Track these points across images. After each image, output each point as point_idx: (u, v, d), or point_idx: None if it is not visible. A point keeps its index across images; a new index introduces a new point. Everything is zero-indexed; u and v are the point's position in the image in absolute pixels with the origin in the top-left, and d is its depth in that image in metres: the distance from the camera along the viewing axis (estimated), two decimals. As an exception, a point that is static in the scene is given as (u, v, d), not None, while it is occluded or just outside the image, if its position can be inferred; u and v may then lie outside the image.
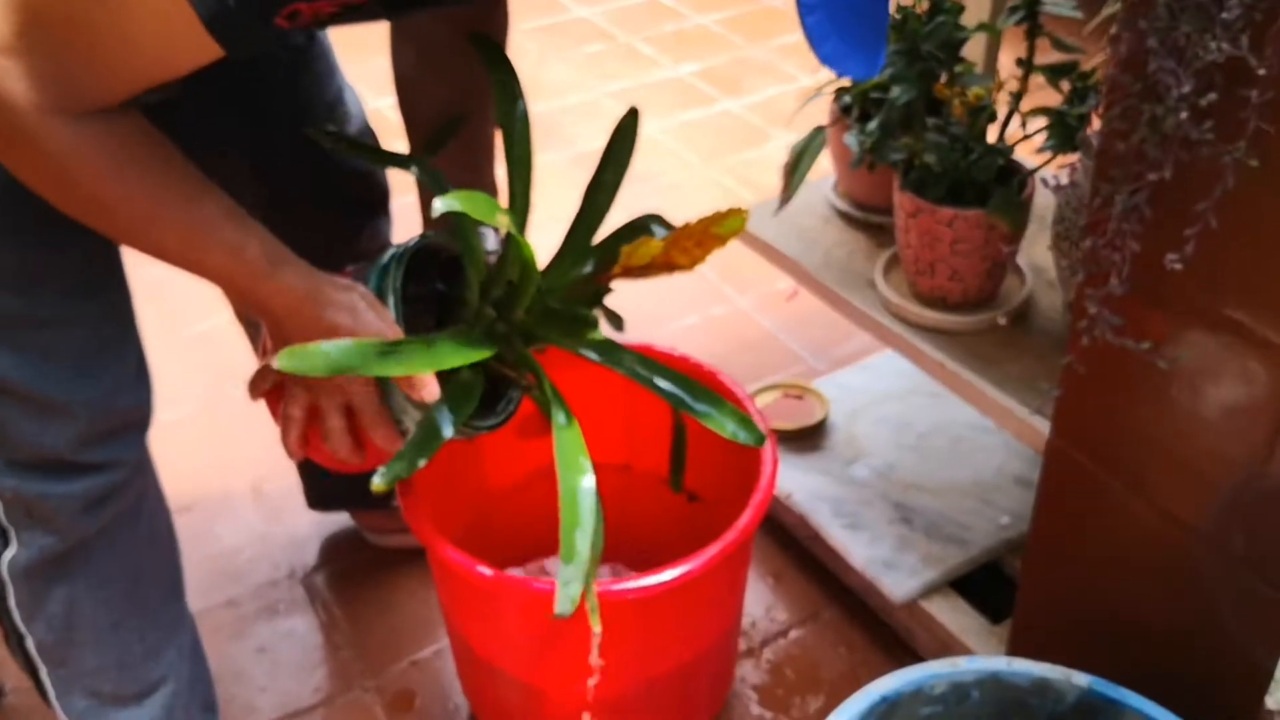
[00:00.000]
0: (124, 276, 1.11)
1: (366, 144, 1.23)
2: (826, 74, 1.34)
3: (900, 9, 1.30)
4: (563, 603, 1.03)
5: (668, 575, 1.15)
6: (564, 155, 2.45)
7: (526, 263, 1.08)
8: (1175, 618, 1.13)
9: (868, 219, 1.53)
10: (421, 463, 1.01)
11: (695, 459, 1.31)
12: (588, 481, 1.07)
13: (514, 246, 1.07)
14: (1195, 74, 0.86)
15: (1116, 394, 1.07)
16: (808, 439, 1.69)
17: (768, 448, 1.29)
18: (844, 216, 1.56)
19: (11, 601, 1.14)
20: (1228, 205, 0.90)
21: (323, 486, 1.63)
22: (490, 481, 1.49)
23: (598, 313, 1.18)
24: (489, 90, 1.20)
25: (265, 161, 1.27)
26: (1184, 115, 0.87)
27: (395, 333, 1.04)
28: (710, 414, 1.15)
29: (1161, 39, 0.86)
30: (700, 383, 1.17)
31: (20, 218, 0.98)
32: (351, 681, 1.51)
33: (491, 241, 1.21)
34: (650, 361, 1.18)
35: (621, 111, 1.19)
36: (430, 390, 1.02)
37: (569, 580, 1.02)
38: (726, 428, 1.14)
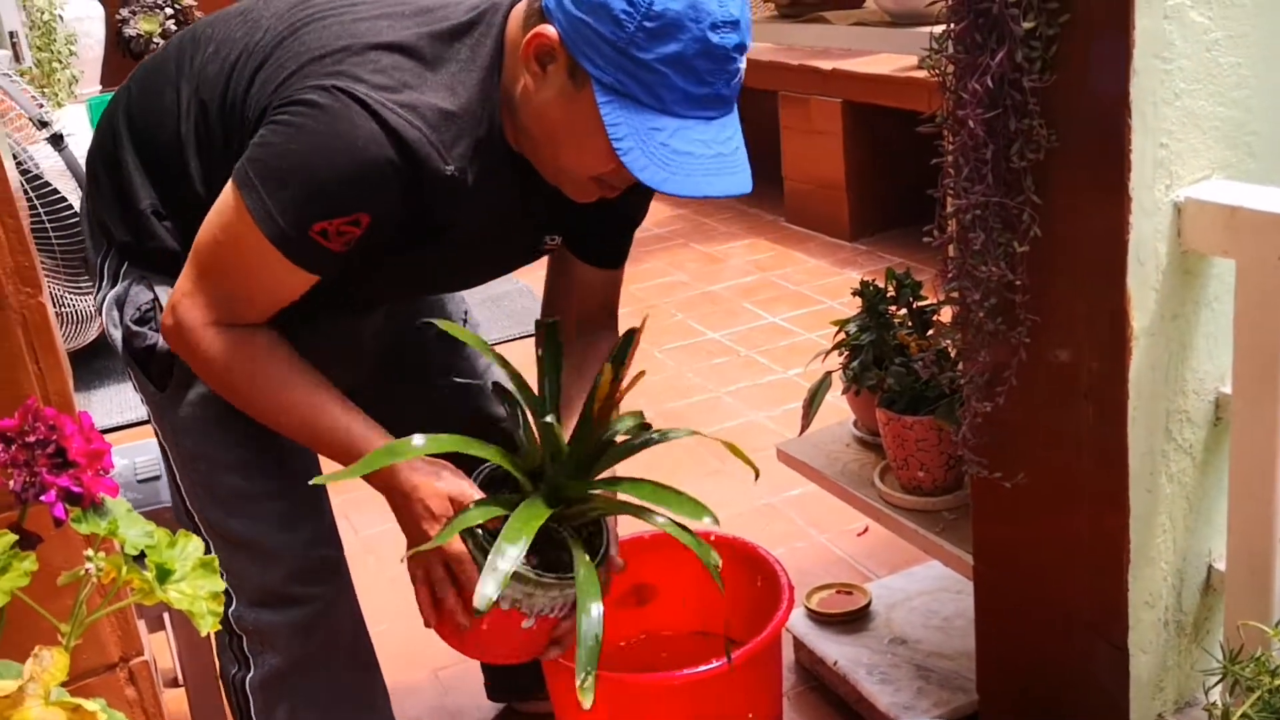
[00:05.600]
0: (317, 471, 1.58)
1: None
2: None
3: (862, 282, 1.86)
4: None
5: (704, 668, 1.61)
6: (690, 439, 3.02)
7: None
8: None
9: (877, 442, 2.04)
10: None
11: (731, 614, 1.76)
12: (597, 608, 1.41)
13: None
14: (983, 288, 1.39)
15: (994, 517, 1.55)
16: (853, 623, 2.13)
17: (785, 593, 1.75)
18: (860, 441, 2.08)
19: (254, 711, 1.63)
20: (1021, 373, 1.41)
21: (498, 681, 2.11)
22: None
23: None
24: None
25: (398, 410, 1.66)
26: (981, 314, 1.40)
27: (448, 480, 1.42)
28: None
29: (958, 268, 1.40)
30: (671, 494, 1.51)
31: (240, 426, 1.49)
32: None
33: None
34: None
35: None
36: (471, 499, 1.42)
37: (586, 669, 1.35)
38: (686, 507, 1.46)
